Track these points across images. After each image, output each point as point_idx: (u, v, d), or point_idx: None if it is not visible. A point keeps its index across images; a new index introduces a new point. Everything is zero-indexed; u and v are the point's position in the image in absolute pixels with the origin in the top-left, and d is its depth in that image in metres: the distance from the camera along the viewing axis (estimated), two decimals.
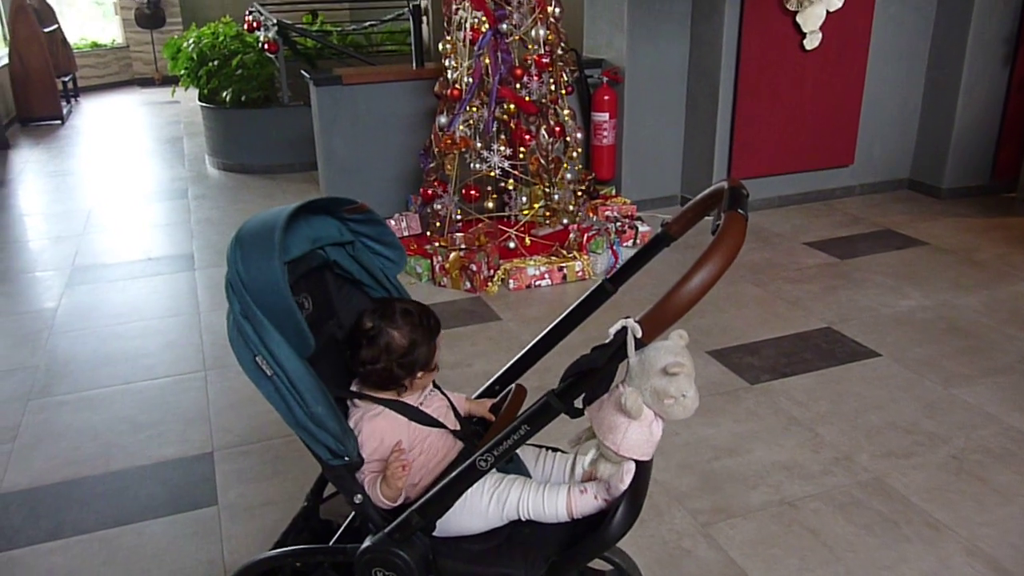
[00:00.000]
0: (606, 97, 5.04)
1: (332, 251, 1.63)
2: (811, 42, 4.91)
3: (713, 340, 3.49)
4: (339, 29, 8.59)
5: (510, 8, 4.13)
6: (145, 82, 11.73)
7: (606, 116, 5.06)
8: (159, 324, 3.87)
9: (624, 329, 1.19)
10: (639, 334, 1.18)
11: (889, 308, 3.83)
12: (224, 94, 6.55)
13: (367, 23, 8.79)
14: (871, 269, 4.32)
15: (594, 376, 1.23)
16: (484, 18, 4.13)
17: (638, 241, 4.53)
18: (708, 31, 4.92)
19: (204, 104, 6.81)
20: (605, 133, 5.11)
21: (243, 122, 6.62)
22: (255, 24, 7.00)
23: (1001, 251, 4.52)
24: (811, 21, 4.85)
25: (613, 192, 5.18)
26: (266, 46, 6.45)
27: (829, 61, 5.02)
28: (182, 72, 7.06)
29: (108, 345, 3.64)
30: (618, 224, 4.48)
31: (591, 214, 4.66)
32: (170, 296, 4.22)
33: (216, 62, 6.72)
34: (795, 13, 4.80)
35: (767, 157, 5.12)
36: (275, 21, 6.57)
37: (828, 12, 4.87)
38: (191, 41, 7.05)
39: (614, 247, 4.30)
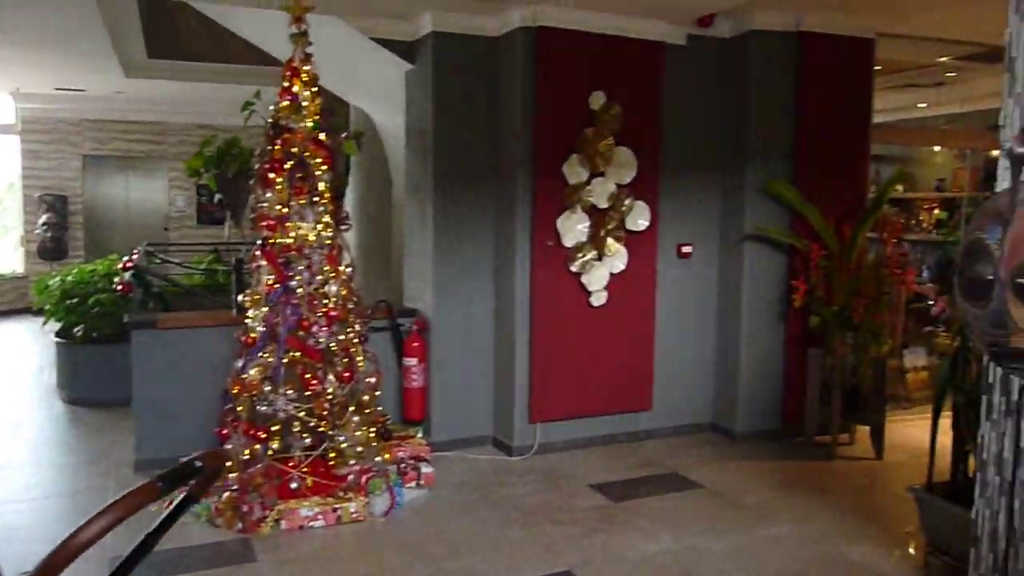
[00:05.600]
0: (415, 344, 5.44)
1: None
2: (598, 299, 5.45)
3: None
4: (224, 268, 9.08)
5: (300, 267, 4.58)
6: (39, 311, 11.96)
7: (415, 361, 5.43)
8: None
9: None
10: None
11: (634, 552, 4.02)
12: (75, 330, 6.81)
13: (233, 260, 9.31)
14: (638, 512, 4.53)
15: None
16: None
17: (421, 482, 4.72)
18: (506, 286, 5.45)
19: (58, 339, 7.04)
20: (415, 376, 5.45)
21: (90, 357, 6.82)
22: (129, 263, 7.42)
23: (767, 495, 4.80)
24: (595, 281, 5.41)
25: (419, 433, 5.42)
26: (120, 287, 6.82)
27: (618, 316, 5.54)
28: (48, 307, 7.36)
29: None
30: (402, 465, 4.68)
31: (385, 455, 4.85)
32: None
33: (76, 299, 7.04)
34: (579, 274, 5.38)
35: (564, 401, 5.47)
36: (134, 264, 6.99)
37: (612, 273, 5.46)
38: (58, 278, 7.41)
39: (392, 488, 4.47)
